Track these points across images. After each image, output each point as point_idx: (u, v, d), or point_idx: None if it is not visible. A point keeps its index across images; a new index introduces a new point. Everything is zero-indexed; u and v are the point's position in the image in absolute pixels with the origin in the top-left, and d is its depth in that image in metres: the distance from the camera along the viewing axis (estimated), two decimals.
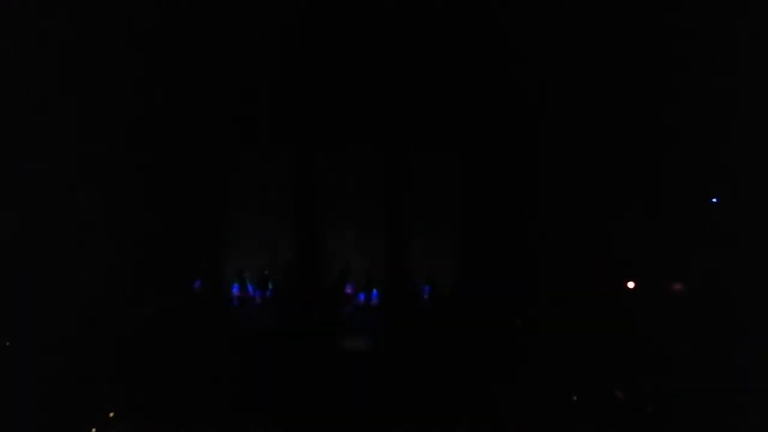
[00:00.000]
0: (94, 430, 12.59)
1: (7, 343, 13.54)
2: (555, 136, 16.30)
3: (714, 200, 14.89)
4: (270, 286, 16.53)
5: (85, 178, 15.18)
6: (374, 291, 16.48)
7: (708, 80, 14.42)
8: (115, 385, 13.37)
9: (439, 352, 15.16)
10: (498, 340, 15.45)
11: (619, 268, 15.65)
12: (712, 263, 14.62)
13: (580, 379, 14.13)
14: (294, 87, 16.61)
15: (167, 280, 16.01)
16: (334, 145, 17.35)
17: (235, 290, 16.39)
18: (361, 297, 16.45)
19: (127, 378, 13.64)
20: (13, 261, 14.15)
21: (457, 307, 16.35)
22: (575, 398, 13.83)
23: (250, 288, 16.41)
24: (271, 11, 15.92)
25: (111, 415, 12.94)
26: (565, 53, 15.71)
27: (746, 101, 14.02)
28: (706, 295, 14.56)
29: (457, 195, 17.68)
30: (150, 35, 15.48)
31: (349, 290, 16.58)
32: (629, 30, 15.27)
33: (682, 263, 15.02)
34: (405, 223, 17.59)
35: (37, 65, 14.37)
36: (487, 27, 16.13)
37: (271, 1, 15.91)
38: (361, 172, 17.68)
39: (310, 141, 17.32)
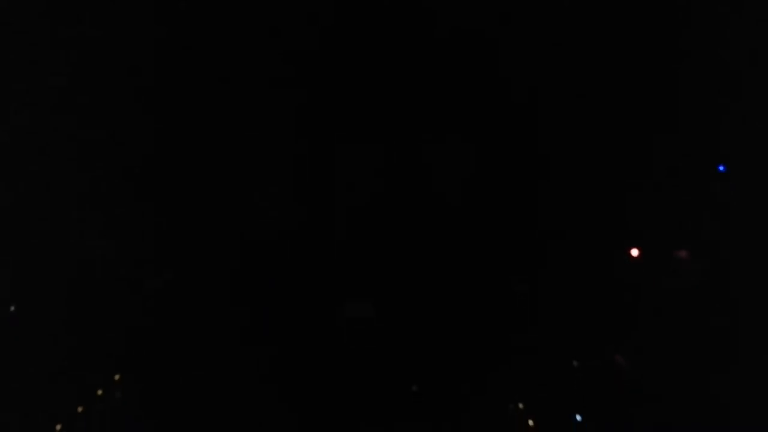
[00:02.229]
0: (100, 391, 12.85)
1: (12, 308, 13.81)
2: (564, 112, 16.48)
3: (721, 168, 14.94)
4: None
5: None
6: None
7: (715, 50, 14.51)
8: (120, 348, 13.66)
9: (442, 319, 15.40)
10: (502, 306, 15.69)
11: (624, 237, 15.79)
12: (717, 233, 14.69)
13: (580, 345, 14.30)
14: (302, 81, 16.86)
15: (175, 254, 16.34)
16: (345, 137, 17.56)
17: None
18: None
19: (133, 342, 13.94)
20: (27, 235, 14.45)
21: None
22: (576, 363, 14.00)
23: None
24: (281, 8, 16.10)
25: (117, 377, 13.24)
26: (570, 37, 15.81)
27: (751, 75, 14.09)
28: (710, 265, 14.61)
29: (466, 182, 17.94)
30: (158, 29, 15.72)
31: None
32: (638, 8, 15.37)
33: (687, 232, 15.09)
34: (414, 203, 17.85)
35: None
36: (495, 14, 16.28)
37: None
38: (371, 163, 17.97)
39: (322, 135, 17.58)
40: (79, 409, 12.45)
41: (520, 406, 13.39)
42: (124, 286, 14.88)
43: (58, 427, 12.27)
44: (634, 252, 16.05)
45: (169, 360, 13.76)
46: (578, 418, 13.04)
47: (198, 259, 16.73)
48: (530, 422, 13.21)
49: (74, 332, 13.34)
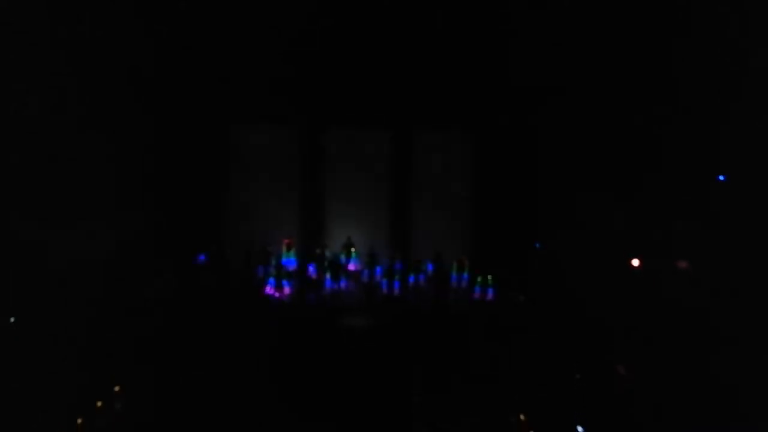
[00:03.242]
0: (99, 403, 12.66)
1: (12, 319, 13.55)
2: (562, 118, 16.38)
3: (721, 178, 14.91)
4: (273, 262, 16.56)
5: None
6: (377, 268, 16.56)
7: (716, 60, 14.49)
8: (120, 358, 13.47)
9: (441, 328, 15.32)
10: (500, 317, 15.64)
11: (624, 247, 15.77)
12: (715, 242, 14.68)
13: (581, 357, 14.29)
14: (302, 61, 16.63)
15: (171, 256, 16.08)
16: (342, 121, 17.41)
17: None
18: (365, 274, 16.58)
19: (133, 351, 13.74)
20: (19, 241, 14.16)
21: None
22: (578, 375, 13.99)
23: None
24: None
25: (117, 388, 13.03)
26: (572, 35, 15.72)
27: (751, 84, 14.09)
28: (708, 275, 14.61)
29: (464, 173, 17.88)
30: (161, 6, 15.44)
31: (352, 267, 16.67)
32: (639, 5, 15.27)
33: (686, 242, 15.10)
34: (410, 199, 17.76)
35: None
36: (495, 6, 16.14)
37: None
38: (367, 148, 17.84)
39: (317, 116, 17.38)
40: (79, 421, 12.32)
41: (522, 417, 13.32)
42: (123, 287, 14.80)
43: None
44: (635, 262, 16.14)
45: (169, 363, 13.65)
46: (580, 429, 13.00)
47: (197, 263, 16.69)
48: None
49: (74, 335, 13.20)
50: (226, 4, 15.68)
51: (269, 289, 15.86)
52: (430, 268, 16.60)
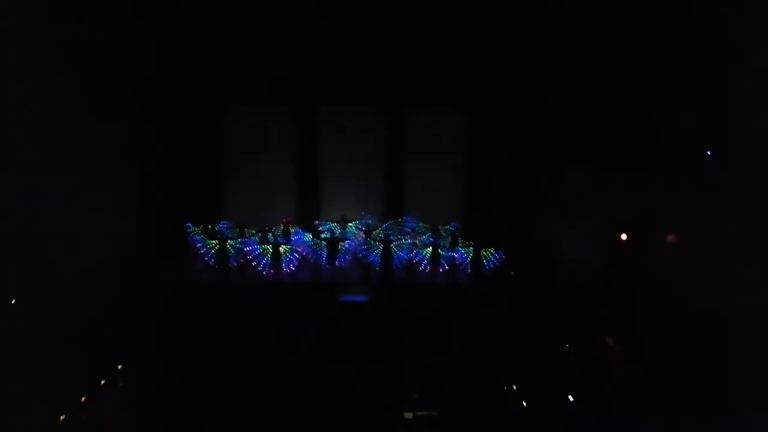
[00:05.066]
0: (103, 381, 12.89)
1: (13, 301, 13.70)
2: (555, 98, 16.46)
3: (708, 153, 15.10)
4: (271, 240, 16.61)
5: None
6: (373, 243, 16.57)
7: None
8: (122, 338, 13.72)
9: (436, 302, 15.67)
10: (492, 291, 15.99)
11: (613, 221, 16.04)
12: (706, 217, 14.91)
13: (572, 328, 14.67)
14: (296, 41, 16.48)
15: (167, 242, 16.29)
16: (336, 99, 17.43)
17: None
18: (361, 250, 16.67)
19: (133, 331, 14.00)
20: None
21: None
22: (568, 346, 14.41)
23: (251, 243, 16.47)
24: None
25: (119, 367, 13.29)
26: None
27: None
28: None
29: (458, 151, 18.08)
30: None
31: (348, 244, 16.67)
32: None
33: (675, 217, 15.36)
34: (404, 177, 18.00)
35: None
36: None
37: None
38: (362, 127, 17.91)
39: (311, 95, 17.40)
40: (82, 398, 12.54)
41: (514, 387, 13.75)
42: (123, 284, 15.02)
43: (62, 417, 12.32)
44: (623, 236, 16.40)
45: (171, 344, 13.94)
46: (570, 398, 13.45)
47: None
48: (524, 403, 13.61)
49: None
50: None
51: (263, 268, 16.18)
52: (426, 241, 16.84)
